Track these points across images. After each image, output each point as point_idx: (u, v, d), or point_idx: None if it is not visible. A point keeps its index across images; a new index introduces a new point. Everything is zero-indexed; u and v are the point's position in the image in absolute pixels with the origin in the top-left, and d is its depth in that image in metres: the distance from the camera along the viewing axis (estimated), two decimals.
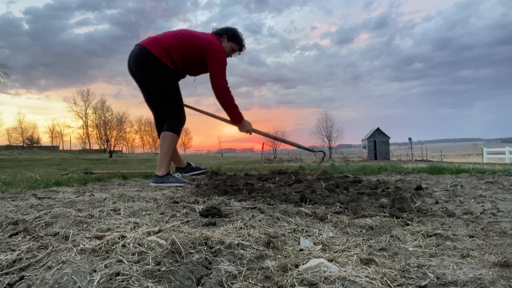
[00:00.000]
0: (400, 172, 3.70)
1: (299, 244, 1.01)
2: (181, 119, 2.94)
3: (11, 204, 1.60)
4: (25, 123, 54.82)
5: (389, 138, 28.82)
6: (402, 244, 1.02)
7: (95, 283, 0.67)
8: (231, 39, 3.14)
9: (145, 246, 0.85)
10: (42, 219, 1.21)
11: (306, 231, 1.15)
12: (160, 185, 2.60)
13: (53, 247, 0.91)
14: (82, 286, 0.67)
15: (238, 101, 3.06)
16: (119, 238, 0.91)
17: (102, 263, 0.76)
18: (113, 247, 0.86)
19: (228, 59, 3.11)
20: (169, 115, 2.91)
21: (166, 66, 2.78)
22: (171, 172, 2.82)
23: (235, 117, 3.03)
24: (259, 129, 3.19)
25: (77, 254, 0.82)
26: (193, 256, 0.81)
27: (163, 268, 0.74)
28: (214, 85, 2.87)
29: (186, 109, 3.04)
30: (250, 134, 3.17)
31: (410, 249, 0.97)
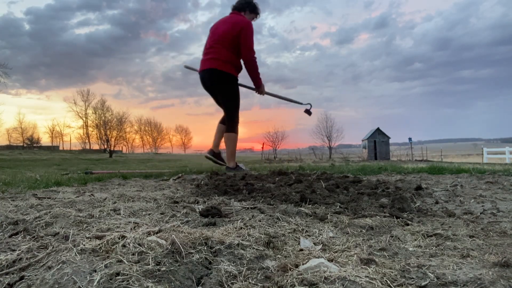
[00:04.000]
0: (400, 172, 3.70)
1: (299, 244, 1.01)
2: (237, 120, 3.91)
3: (11, 204, 1.60)
4: (25, 123, 54.89)
5: (389, 138, 28.82)
6: (402, 244, 1.02)
7: (95, 283, 0.67)
8: (253, 11, 3.93)
9: (145, 246, 0.85)
10: (42, 219, 1.21)
11: (306, 231, 1.15)
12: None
13: (53, 247, 0.91)
14: (82, 286, 0.67)
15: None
16: (119, 238, 0.91)
17: (102, 263, 0.76)
18: (113, 247, 0.86)
19: None
20: (228, 116, 3.88)
21: (232, 76, 3.79)
22: (239, 165, 3.91)
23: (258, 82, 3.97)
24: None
25: (77, 254, 0.82)
26: (193, 256, 0.81)
27: (163, 268, 0.74)
28: (248, 56, 3.73)
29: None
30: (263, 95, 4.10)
31: (410, 249, 0.97)
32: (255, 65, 3.78)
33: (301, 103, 4.42)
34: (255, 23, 4.02)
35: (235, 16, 3.82)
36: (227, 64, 3.72)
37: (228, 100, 3.85)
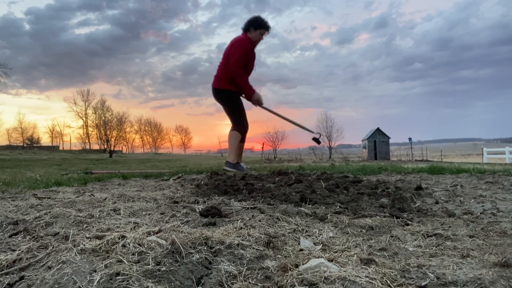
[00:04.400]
0: (400, 172, 3.70)
1: (299, 244, 1.01)
2: (243, 127, 4.21)
3: (11, 204, 1.60)
4: (25, 123, 54.84)
5: (389, 138, 28.80)
6: (402, 244, 1.02)
7: (95, 283, 0.67)
8: (258, 27, 4.08)
9: (145, 246, 0.85)
10: (42, 219, 1.21)
11: (306, 231, 1.15)
12: (232, 170, 3.84)
13: (53, 247, 0.91)
14: (82, 286, 0.67)
15: None
16: (119, 238, 0.91)
17: (102, 263, 0.76)
18: (113, 247, 0.86)
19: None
20: (233, 126, 4.23)
21: (231, 91, 4.10)
22: (240, 163, 4.12)
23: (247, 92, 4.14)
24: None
25: (77, 254, 0.82)
26: (193, 256, 0.81)
27: (163, 268, 0.74)
28: (232, 68, 3.96)
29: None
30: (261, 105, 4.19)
31: (410, 249, 0.97)
32: (239, 77, 4.01)
33: (312, 131, 4.64)
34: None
35: (237, 36, 4.13)
36: (225, 81, 4.09)
37: (230, 113, 4.23)
